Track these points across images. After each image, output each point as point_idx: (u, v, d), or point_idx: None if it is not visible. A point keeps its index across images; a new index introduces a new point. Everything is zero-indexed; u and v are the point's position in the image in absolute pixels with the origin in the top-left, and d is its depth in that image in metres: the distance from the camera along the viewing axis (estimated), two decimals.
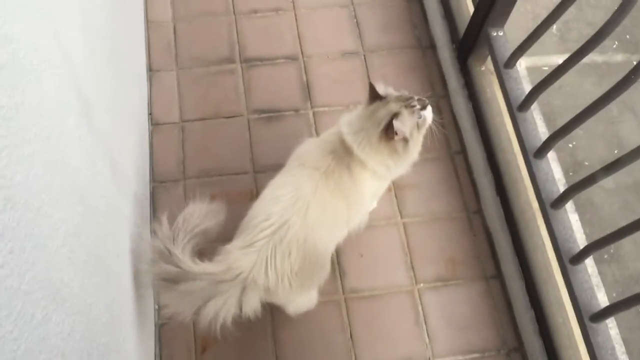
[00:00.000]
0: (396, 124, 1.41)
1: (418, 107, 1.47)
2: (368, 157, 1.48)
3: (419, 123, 1.48)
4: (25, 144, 0.87)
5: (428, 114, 1.51)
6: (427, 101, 1.51)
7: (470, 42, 1.97)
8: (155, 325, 1.74)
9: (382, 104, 1.48)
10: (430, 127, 1.54)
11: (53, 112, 1.01)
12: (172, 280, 1.36)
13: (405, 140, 1.46)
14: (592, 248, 1.47)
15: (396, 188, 1.98)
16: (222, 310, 1.37)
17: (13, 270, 0.78)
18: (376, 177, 1.53)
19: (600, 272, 2.84)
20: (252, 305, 1.41)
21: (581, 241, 1.59)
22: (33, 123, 0.90)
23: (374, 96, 1.49)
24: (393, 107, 1.46)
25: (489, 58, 1.93)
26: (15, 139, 0.82)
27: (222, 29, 2.23)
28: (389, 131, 1.43)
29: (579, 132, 3.21)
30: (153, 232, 1.43)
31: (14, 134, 0.82)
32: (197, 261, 1.38)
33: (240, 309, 1.40)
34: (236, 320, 1.41)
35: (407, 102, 1.47)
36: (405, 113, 1.45)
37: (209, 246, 1.44)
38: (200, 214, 1.47)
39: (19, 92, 0.86)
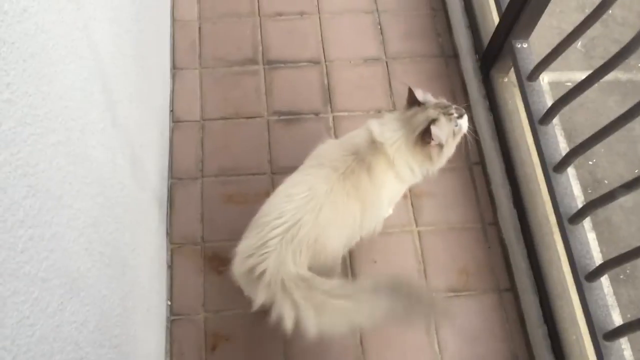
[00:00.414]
0: (434, 129, 1.44)
1: (455, 115, 1.51)
2: (399, 156, 1.50)
3: (455, 131, 1.52)
4: (50, 133, 0.88)
5: (464, 122, 1.54)
6: (464, 110, 1.54)
7: (494, 53, 1.96)
8: (166, 320, 1.75)
9: (421, 110, 1.51)
10: (464, 136, 1.56)
11: (78, 104, 1.02)
12: None
13: (440, 147, 1.49)
14: (608, 266, 1.45)
15: (413, 196, 1.98)
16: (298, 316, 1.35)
17: (32, 257, 0.79)
18: (398, 179, 1.55)
19: (615, 293, 2.81)
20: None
21: (598, 259, 1.57)
22: (58, 113, 0.92)
23: (412, 101, 1.53)
24: (432, 113, 1.49)
25: (512, 70, 1.92)
26: (40, 127, 0.84)
27: (246, 30, 2.25)
28: (425, 136, 1.46)
29: (600, 149, 3.19)
30: None
31: (40, 122, 0.84)
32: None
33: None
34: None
35: (445, 110, 1.50)
36: (443, 120, 1.48)
37: (226, 245, 1.45)
38: None
39: (46, 82, 0.87)
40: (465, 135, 1.56)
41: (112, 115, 1.26)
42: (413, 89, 1.52)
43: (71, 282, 0.94)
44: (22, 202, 0.76)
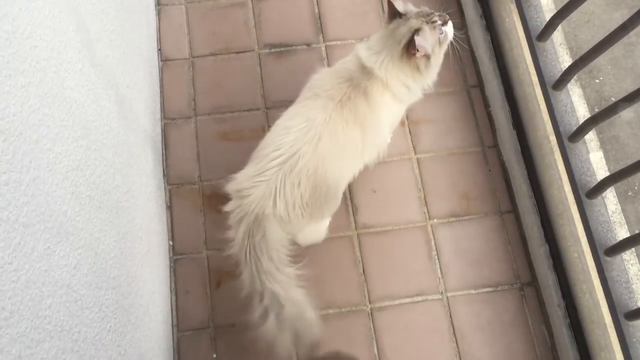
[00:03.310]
0: (418, 39, 1.39)
1: (439, 22, 1.45)
2: (391, 77, 1.45)
3: (440, 39, 1.46)
4: (19, 74, 0.85)
5: (449, 29, 1.48)
6: (447, 17, 1.48)
7: None
8: (170, 260, 1.76)
9: (403, 21, 1.45)
10: (451, 43, 1.51)
11: (49, 43, 0.98)
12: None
13: (427, 57, 1.44)
14: (609, 181, 1.43)
15: (410, 123, 1.94)
16: (268, 255, 1.38)
17: (9, 202, 0.78)
18: (396, 100, 1.51)
19: (623, 210, 2.80)
20: (277, 236, 1.40)
21: (602, 177, 1.55)
22: (27, 53, 0.88)
23: (394, 13, 1.47)
24: (414, 23, 1.43)
25: None
26: (7, 69, 0.81)
27: None
28: (410, 48, 1.41)
29: (606, 66, 3.11)
30: None
31: (6, 64, 0.81)
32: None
33: (274, 245, 1.39)
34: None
35: (428, 18, 1.44)
36: (426, 29, 1.43)
37: (223, 183, 1.44)
38: None
39: (9, 20, 0.83)
40: (451, 43, 1.51)
41: (91, 54, 1.22)
42: (392, 1, 1.46)
43: (58, 227, 0.94)
44: None
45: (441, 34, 1.45)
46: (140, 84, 1.69)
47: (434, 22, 1.44)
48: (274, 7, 2.09)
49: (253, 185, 1.36)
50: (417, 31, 1.41)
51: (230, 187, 1.40)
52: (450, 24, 1.48)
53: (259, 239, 1.36)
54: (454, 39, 1.50)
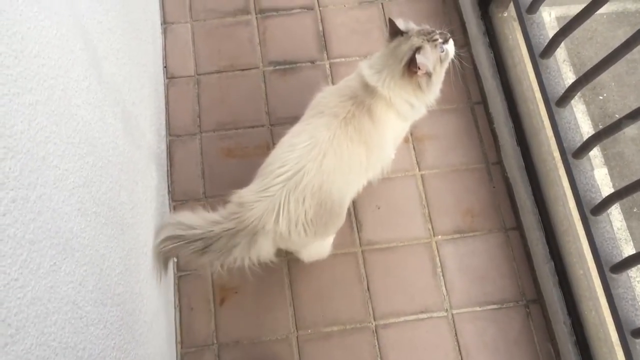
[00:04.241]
0: (419, 58, 1.40)
1: (440, 40, 1.46)
2: (394, 95, 1.46)
3: (441, 57, 1.47)
4: (27, 92, 0.86)
5: (450, 47, 1.49)
6: (448, 35, 1.49)
7: None
8: (174, 276, 1.76)
9: (404, 39, 1.46)
10: (452, 60, 1.52)
11: (57, 62, 0.99)
12: (198, 252, 1.39)
13: (429, 75, 1.45)
14: (614, 198, 1.43)
15: (414, 140, 1.95)
16: (238, 259, 1.39)
17: (16, 219, 0.78)
18: (400, 117, 1.52)
19: (628, 227, 2.80)
20: (264, 252, 1.41)
21: (607, 193, 1.54)
22: (35, 72, 0.89)
23: (395, 31, 1.48)
24: (415, 41, 1.44)
25: (512, 4, 1.85)
26: (15, 87, 0.82)
27: None
28: (411, 66, 1.42)
29: (610, 83, 3.12)
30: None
31: (14, 82, 0.81)
32: (215, 219, 1.40)
33: (254, 256, 1.41)
34: (254, 272, 1.42)
35: (429, 36, 1.45)
36: (427, 47, 1.44)
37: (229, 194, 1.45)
38: None
39: (18, 39, 0.84)
40: (452, 61, 1.52)
41: (98, 72, 1.23)
42: (393, 19, 1.47)
43: (64, 243, 0.94)
44: (0, 164, 0.75)
45: (442, 52, 1.46)
46: (146, 101, 1.70)
47: (435, 40, 1.45)
48: (279, 25, 2.11)
49: (257, 200, 1.37)
50: (418, 49, 1.42)
51: (234, 199, 1.41)
52: (451, 42, 1.49)
53: (243, 243, 1.37)
54: (455, 56, 1.51)
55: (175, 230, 1.43)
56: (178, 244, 1.42)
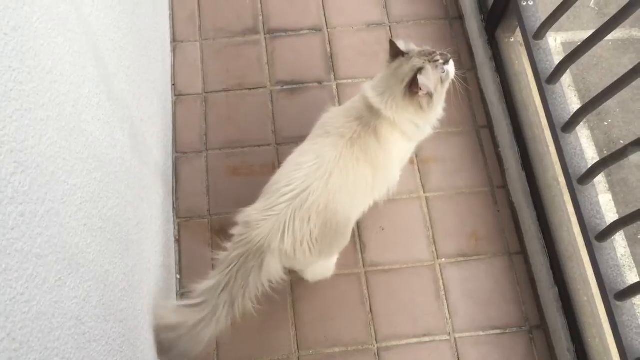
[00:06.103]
0: (421, 79, 1.41)
1: (441, 61, 1.47)
2: (398, 116, 1.47)
3: (442, 77, 1.48)
4: (39, 108, 0.87)
5: (451, 68, 1.51)
6: (449, 55, 1.51)
7: (499, 12, 1.91)
8: (176, 295, 1.76)
9: (405, 60, 1.48)
10: (453, 81, 1.53)
11: (69, 78, 1.01)
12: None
13: (430, 96, 1.46)
14: (618, 225, 1.43)
15: (420, 162, 1.95)
16: (257, 286, 1.40)
17: (24, 233, 0.78)
18: (406, 137, 1.53)
19: (632, 253, 2.78)
20: (274, 271, 1.41)
21: (611, 220, 1.54)
22: (47, 88, 0.90)
23: (396, 52, 1.50)
24: (416, 62, 1.46)
25: (518, 29, 1.87)
26: (27, 102, 0.83)
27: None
28: (413, 86, 1.43)
29: (615, 109, 3.13)
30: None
31: (26, 97, 0.82)
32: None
33: (265, 279, 1.41)
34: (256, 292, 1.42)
35: (430, 57, 1.47)
36: (429, 68, 1.45)
37: (232, 218, 1.45)
38: None
39: (32, 55, 0.86)
40: (453, 81, 1.53)
41: (108, 89, 1.24)
42: (394, 40, 1.49)
43: (70, 258, 0.94)
44: (10, 178, 0.75)
45: (443, 72, 1.48)
46: (154, 118, 1.71)
47: (436, 61, 1.47)
48: (287, 45, 2.13)
49: (263, 218, 1.37)
50: (419, 70, 1.43)
51: (240, 218, 1.41)
52: (451, 62, 1.51)
53: (252, 266, 1.37)
54: (455, 77, 1.53)
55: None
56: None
